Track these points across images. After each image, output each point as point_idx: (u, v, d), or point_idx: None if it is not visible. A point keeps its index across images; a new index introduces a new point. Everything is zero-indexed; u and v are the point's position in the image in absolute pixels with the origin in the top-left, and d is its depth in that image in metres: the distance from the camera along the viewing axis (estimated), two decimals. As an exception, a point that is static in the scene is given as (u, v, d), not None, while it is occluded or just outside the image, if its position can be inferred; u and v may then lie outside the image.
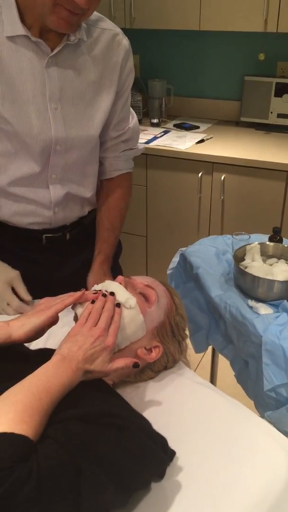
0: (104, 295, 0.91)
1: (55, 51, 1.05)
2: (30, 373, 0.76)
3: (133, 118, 1.31)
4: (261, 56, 2.61)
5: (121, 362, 0.86)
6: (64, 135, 1.13)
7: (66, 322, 1.12)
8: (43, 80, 1.07)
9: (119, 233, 1.36)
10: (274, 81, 2.59)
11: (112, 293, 0.92)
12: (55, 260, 1.29)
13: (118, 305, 0.91)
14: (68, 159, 1.17)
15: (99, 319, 0.87)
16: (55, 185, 1.19)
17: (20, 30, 1.02)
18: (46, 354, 0.87)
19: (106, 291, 0.94)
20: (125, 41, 1.18)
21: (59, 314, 1.15)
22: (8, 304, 1.18)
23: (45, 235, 1.26)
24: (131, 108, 1.30)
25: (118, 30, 1.17)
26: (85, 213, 1.32)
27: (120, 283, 1.00)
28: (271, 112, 2.64)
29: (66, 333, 1.07)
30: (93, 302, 0.90)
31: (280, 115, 2.63)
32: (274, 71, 2.68)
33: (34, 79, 1.06)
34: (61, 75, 1.08)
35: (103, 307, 0.89)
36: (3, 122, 1.08)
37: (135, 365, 0.88)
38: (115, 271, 1.33)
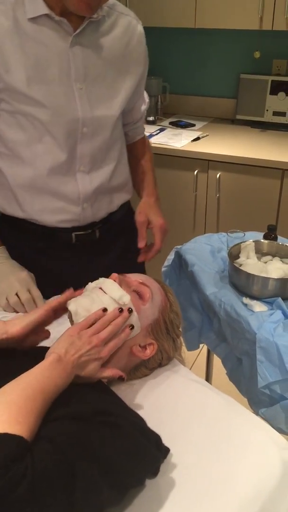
0: (121, 310, 0.91)
1: (79, 30, 1.06)
2: (22, 371, 0.76)
3: (146, 98, 1.41)
4: (257, 54, 2.62)
5: (109, 372, 0.87)
6: (90, 115, 1.13)
7: (61, 321, 1.12)
8: (68, 60, 1.08)
9: (154, 175, 1.42)
10: (270, 79, 2.59)
11: (130, 310, 0.92)
12: (84, 259, 1.27)
13: (132, 326, 0.92)
14: (94, 144, 1.16)
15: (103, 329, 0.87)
16: (83, 178, 1.19)
17: (43, 9, 1.02)
18: (38, 352, 0.87)
19: (124, 304, 0.93)
20: (139, 27, 1.22)
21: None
22: (16, 295, 1.16)
23: (75, 233, 1.25)
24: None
25: (132, 15, 1.21)
26: (114, 208, 1.31)
27: (114, 281, 1.00)
28: (267, 110, 2.64)
29: (60, 332, 1.08)
30: (105, 310, 0.90)
31: (275, 113, 2.63)
32: (269, 69, 2.68)
33: (59, 59, 1.07)
34: (85, 54, 1.10)
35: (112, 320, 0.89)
36: (31, 104, 1.07)
37: (120, 378, 0.88)
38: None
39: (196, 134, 2.57)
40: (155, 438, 0.79)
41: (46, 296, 1.21)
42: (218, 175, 2.37)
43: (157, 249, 1.29)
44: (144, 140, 1.44)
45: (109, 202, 1.29)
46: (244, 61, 2.73)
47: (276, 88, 2.58)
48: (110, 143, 1.21)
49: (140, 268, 1.39)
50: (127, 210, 1.40)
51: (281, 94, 2.58)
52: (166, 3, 2.40)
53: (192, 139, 2.51)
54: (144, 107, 1.38)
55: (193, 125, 2.74)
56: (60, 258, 1.27)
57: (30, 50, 1.05)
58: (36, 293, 1.17)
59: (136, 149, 1.40)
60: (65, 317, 1.10)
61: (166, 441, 0.80)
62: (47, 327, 1.00)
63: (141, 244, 1.26)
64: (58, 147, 1.12)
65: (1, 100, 1.09)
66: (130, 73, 1.20)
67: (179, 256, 1.52)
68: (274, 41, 2.62)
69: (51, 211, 1.20)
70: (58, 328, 1.10)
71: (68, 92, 1.09)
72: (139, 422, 0.79)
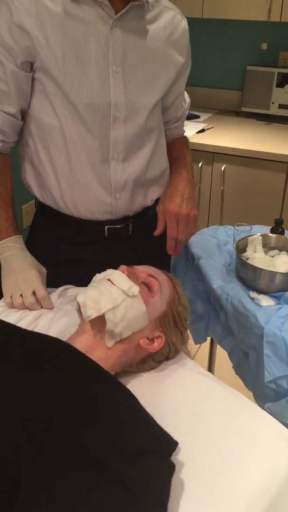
0: None
1: (121, 13, 1.06)
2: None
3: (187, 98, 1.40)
4: (264, 46, 2.59)
5: None
6: (123, 99, 1.11)
7: (68, 311, 1.11)
8: (107, 42, 1.07)
9: (191, 161, 1.35)
10: (276, 71, 2.57)
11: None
12: (115, 254, 1.23)
13: None
14: (128, 131, 1.14)
15: None
16: (116, 166, 1.16)
17: None
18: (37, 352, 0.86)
19: (133, 295, 0.94)
20: (184, 22, 1.21)
21: (60, 305, 1.15)
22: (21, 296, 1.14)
23: (108, 226, 1.23)
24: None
25: (178, 10, 1.21)
26: (148, 202, 1.28)
27: (123, 272, 0.99)
28: (273, 103, 2.63)
29: (68, 322, 1.07)
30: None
31: (281, 106, 2.61)
32: (276, 61, 2.66)
33: (98, 41, 1.06)
34: (125, 38, 1.08)
35: None
36: (65, 83, 1.06)
37: None
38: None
39: (201, 126, 2.55)
40: (167, 441, 0.78)
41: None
42: (222, 168, 2.36)
43: (172, 236, 1.20)
44: (183, 138, 1.41)
45: (144, 196, 1.25)
46: (250, 53, 2.71)
47: (283, 80, 2.56)
48: (146, 131, 1.18)
49: (167, 266, 1.37)
50: None
51: (288, 87, 2.56)
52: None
53: (197, 130, 2.49)
54: (184, 106, 1.36)
55: (198, 116, 2.72)
56: (92, 251, 1.25)
57: (70, 30, 1.04)
58: (42, 293, 1.14)
59: (173, 146, 1.37)
60: (72, 309, 1.10)
61: (173, 434, 0.80)
62: None
63: (156, 231, 1.20)
64: (90, 132, 1.11)
65: (36, 80, 1.08)
66: (171, 62, 1.17)
67: (185, 249, 1.51)
68: (282, 33, 2.59)
69: (83, 200, 1.18)
70: (65, 318, 1.10)
71: (103, 74, 1.08)
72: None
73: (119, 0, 1.05)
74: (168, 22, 1.17)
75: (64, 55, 1.04)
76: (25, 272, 1.15)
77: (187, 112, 1.41)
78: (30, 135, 1.15)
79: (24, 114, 1.15)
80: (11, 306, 1.15)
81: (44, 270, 1.18)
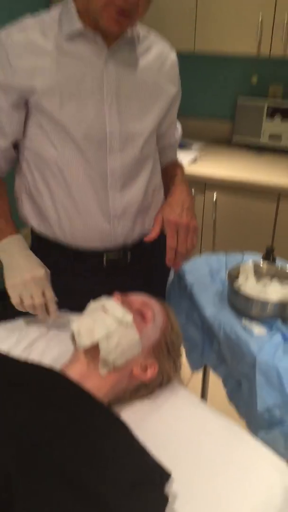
0: None
1: (113, 47, 1.10)
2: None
3: (179, 126, 1.41)
4: (254, 79, 2.67)
5: None
6: (118, 130, 1.13)
7: (61, 339, 1.11)
8: (101, 75, 1.10)
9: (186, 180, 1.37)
10: (266, 103, 2.63)
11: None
12: (113, 284, 1.19)
13: None
14: (124, 160, 1.16)
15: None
16: (114, 194, 1.18)
17: (78, 25, 1.06)
18: (43, 374, 0.86)
19: (127, 323, 0.95)
20: (172, 54, 1.26)
21: (53, 332, 1.15)
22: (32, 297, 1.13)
23: (106, 255, 1.24)
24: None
25: (166, 43, 1.25)
26: (146, 230, 1.28)
27: (116, 300, 1.00)
28: (263, 133, 2.68)
29: (61, 350, 1.07)
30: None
31: (271, 136, 2.67)
32: (266, 93, 2.73)
33: (93, 74, 1.09)
34: (119, 71, 1.12)
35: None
36: (62, 116, 1.09)
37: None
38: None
39: (193, 155, 2.60)
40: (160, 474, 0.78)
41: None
42: (214, 197, 2.39)
43: (172, 246, 1.16)
44: (177, 162, 1.44)
45: (142, 224, 1.26)
46: (241, 85, 2.78)
47: (273, 112, 2.63)
48: (141, 159, 1.21)
49: (163, 295, 1.37)
50: (161, 235, 1.39)
51: (278, 118, 2.62)
52: (166, 26, 2.45)
53: (189, 160, 2.53)
54: (177, 135, 1.39)
55: (190, 146, 2.77)
56: (90, 281, 1.25)
57: (65, 66, 1.07)
58: (49, 294, 1.14)
59: (168, 168, 1.39)
60: (66, 336, 1.10)
61: (167, 464, 0.80)
62: None
63: (148, 236, 1.17)
64: (88, 162, 1.13)
65: (33, 114, 1.11)
66: (163, 92, 1.21)
67: (178, 276, 1.52)
68: (271, 67, 2.67)
69: (82, 229, 1.19)
70: (58, 346, 1.10)
71: (98, 106, 1.11)
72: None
73: (110, 35, 1.09)
74: (158, 54, 1.21)
75: (60, 90, 1.07)
76: (34, 270, 1.14)
77: (179, 139, 1.44)
78: (28, 167, 1.17)
79: (19, 146, 1.18)
80: (20, 306, 1.13)
81: (48, 270, 1.17)
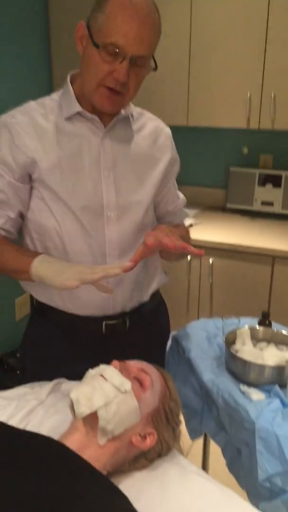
0: None
1: (109, 126, 1.18)
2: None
3: (181, 195, 1.46)
4: (245, 150, 2.81)
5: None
6: (114, 201, 1.19)
7: (60, 408, 1.11)
8: (98, 151, 1.18)
9: (187, 240, 1.31)
10: (257, 171, 2.75)
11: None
12: (112, 351, 1.18)
13: None
14: (121, 229, 1.21)
15: None
16: (113, 262, 1.21)
17: (77, 107, 1.15)
18: (40, 443, 0.86)
19: (125, 391, 0.95)
20: (167, 129, 1.34)
21: (52, 400, 1.15)
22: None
23: (105, 322, 1.25)
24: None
25: (160, 121, 1.34)
26: (144, 298, 1.31)
27: (115, 367, 1.01)
28: (255, 200, 2.78)
29: (59, 419, 1.07)
30: None
31: (264, 203, 2.77)
32: (257, 162, 2.86)
33: (90, 151, 1.17)
34: (114, 147, 1.20)
35: None
36: (61, 190, 1.15)
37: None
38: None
39: (189, 221, 2.68)
40: None
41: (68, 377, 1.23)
42: (210, 261, 2.45)
43: (170, 244, 1.06)
44: (183, 225, 1.47)
45: (140, 291, 1.30)
46: (233, 155, 2.92)
47: (264, 180, 2.74)
48: (139, 228, 1.25)
49: (162, 362, 1.38)
50: (158, 303, 1.40)
51: (269, 186, 2.73)
52: (160, 102, 2.61)
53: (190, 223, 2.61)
54: (179, 203, 1.43)
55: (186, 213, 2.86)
56: (88, 347, 1.25)
57: (65, 144, 1.16)
58: (102, 266, 1.09)
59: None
60: (64, 404, 1.10)
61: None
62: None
63: (124, 267, 1.07)
64: (86, 231, 1.18)
65: (35, 188, 1.17)
66: (158, 162, 1.28)
67: (176, 342, 1.54)
68: (261, 139, 2.82)
69: (81, 296, 1.21)
70: (57, 415, 1.09)
71: (95, 179, 1.17)
72: None
73: (107, 115, 1.18)
74: (152, 130, 1.29)
75: (60, 167, 1.15)
76: (75, 265, 1.11)
77: (181, 207, 1.47)
78: (29, 236, 1.23)
79: (23, 217, 1.23)
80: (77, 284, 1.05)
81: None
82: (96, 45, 1.04)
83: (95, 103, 1.12)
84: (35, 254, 1.15)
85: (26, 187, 1.18)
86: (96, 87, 1.08)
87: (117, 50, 1.03)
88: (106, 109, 1.13)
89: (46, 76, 2.83)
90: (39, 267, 1.10)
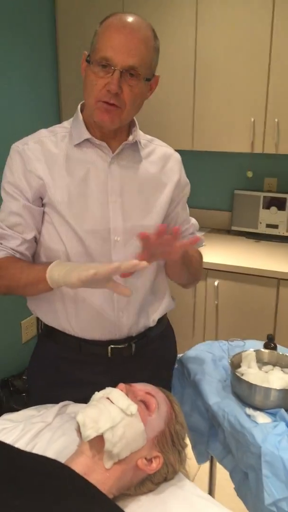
0: None
1: (116, 152, 1.21)
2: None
3: (193, 220, 1.48)
4: (249, 174, 2.84)
5: None
6: (121, 225, 1.21)
7: (66, 430, 1.12)
8: (106, 177, 1.21)
9: (198, 261, 1.39)
10: (262, 195, 2.78)
11: None
12: (118, 375, 1.19)
13: None
14: (128, 253, 1.21)
15: None
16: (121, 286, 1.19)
17: (86, 134, 1.19)
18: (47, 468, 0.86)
19: (131, 414, 0.96)
20: (176, 154, 1.36)
21: (58, 423, 1.16)
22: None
23: (111, 346, 1.25)
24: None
25: (169, 147, 1.36)
26: (150, 323, 1.31)
27: (121, 390, 1.02)
28: (260, 223, 2.81)
29: (66, 442, 1.07)
30: None
31: (268, 225, 2.79)
32: (261, 186, 2.89)
33: (98, 177, 1.20)
34: (122, 173, 1.22)
35: None
36: (70, 215, 1.17)
37: None
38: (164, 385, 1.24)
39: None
40: None
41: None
42: (216, 283, 2.46)
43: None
44: (196, 249, 1.46)
45: (146, 316, 1.30)
46: (237, 179, 2.95)
47: (269, 203, 2.77)
48: None
49: (168, 386, 1.38)
50: (165, 328, 1.40)
51: (273, 209, 2.76)
52: (166, 127, 2.66)
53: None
54: (191, 228, 1.45)
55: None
56: (95, 371, 1.26)
57: (73, 170, 1.19)
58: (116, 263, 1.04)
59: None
60: (70, 426, 1.10)
61: None
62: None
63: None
64: (93, 255, 1.19)
65: (45, 212, 1.21)
66: (165, 186, 1.29)
67: (181, 364, 1.54)
68: (265, 162, 2.85)
69: (88, 320, 1.23)
70: (63, 438, 1.10)
71: (103, 204, 1.20)
72: None
73: (114, 141, 1.21)
74: (161, 156, 1.32)
75: (69, 192, 1.18)
76: (90, 263, 1.13)
77: (195, 232, 1.48)
78: (39, 260, 1.25)
79: (37, 242, 1.26)
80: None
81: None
82: (88, 62, 1.11)
83: (96, 120, 1.15)
84: (49, 262, 1.14)
85: (40, 210, 1.21)
86: (95, 103, 1.12)
87: (107, 63, 1.07)
88: (105, 123, 1.15)
89: (54, 106, 2.90)
90: (55, 267, 1.09)
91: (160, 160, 1.31)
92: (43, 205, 1.20)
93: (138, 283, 1.26)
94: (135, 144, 1.25)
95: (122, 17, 1.10)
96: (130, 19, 1.10)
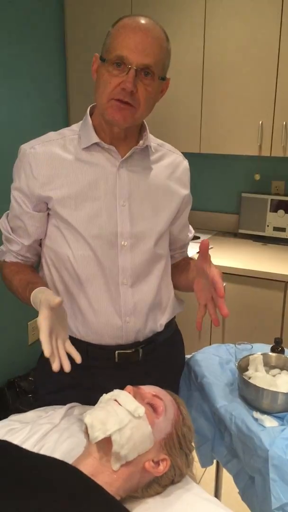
0: None
1: (126, 156, 1.20)
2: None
3: (192, 229, 1.50)
4: (257, 177, 2.84)
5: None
6: (129, 230, 1.21)
7: (73, 432, 1.12)
8: (115, 181, 1.20)
9: None
10: (269, 198, 2.78)
11: None
12: (125, 380, 1.16)
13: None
14: (135, 258, 1.22)
15: None
16: (126, 291, 1.22)
17: (95, 138, 1.18)
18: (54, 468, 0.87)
19: (139, 416, 0.96)
20: (185, 162, 1.36)
21: (65, 424, 1.16)
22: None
23: (118, 351, 1.25)
24: None
25: (179, 153, 1.36)
26: (157, 328, 1.31)
27: (129, 393, 1.02)
28: (268, 226, 2.80)
29: (73, 443, 1.08)
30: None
31: (276, 228, 2.79)
32: (269, 189, 2.89)
33: (106, 181, 1.20)
34: (131, 177, 1.22)
35: None
36: (76, 218, 1.17)
37: None
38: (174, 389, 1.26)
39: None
40: None
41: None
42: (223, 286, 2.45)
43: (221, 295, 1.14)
44: (187, 257, 1.51)
45: (153, 321, 1.30)
46: (245, 182, 2.95)
47: (276, 206, 2.77)
48: (153, 258, 1.26)
49: (176, 390, 1.39)
50: (173, 333, 1.40)
51: (281, 212, 2.75)
52: (174, 130, 2.66)
53: (197, 251, 2.62)
54: (190, 236, 1.48)
55: (198, 237, 2.89)
56: (101, 376, 1.25)
57: (82, 174, 1.19)
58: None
59: (179, 264, 1.46)
60: (78, 428, 1.11)
61: None
62: None
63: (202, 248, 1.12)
64: (100, 259, 1.19)
65: (51, 216, 1.21)
66: (174, 194, 1.30)
67: (188, 367, 1.54)
68: (273, 165, 2.85)
69: (95, 325, 1.23)
70: (70, 439, 1.10)
71: (111, 209, 1.19)
72: None
73: (124, 145, 1.21)
74: (170, 162, 1.31)
75: (76, 196, 1.18)
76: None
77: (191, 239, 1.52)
78: (46, 264, 1.26)
79: (42, 244, 1.26)
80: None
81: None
82: (102, 60, 1.10)
83: (107, 118, 1.14)
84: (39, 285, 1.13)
85: (43, 215, 1.21)
86: (107, 101, 1.11)
87: (122, 62, 1.07)
88: (117, 122, 1.14)
89: (63, 109, 2.91)
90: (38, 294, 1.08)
91: (169, 166, 1.31)
92: (49, 208, 1.21)
93: (144, 288, 1.26)
94: (145, 149, 1.25)
95: (136, 19, 1.11)
96: (144, 20, 1.10)
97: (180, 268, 1.41)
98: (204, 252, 1.13)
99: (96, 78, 1.15)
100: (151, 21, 1.12)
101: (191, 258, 1.45)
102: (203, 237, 2.90)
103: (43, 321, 0.98)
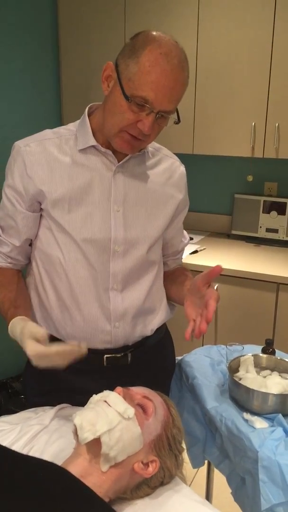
0: None
1: (122, 161, 1.19)
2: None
3: (187, 235, 1.48)
4: (250, 178, 2.85)
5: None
6: (122, 235, 1.20)
7: (63, 433, 1.12)
8: (110, 185, 1.19)
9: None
10: (262, 199, 2.79)
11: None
12: (113, 384, 1.15)
13: None
14: (127, 264, 1.21)
15: None
16: (115, 296, 1.22)
17: (92, 141, 1.16)
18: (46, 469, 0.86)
19: (128, 417, 0.96)
20: (182, 168, 1.34)
21: (55, 425, 1.16)
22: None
23: (106, 355, 1.24)
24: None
25: (176, 158, 1.35)
26: (147, 332, 1.30)
27: (119, 394, 1.02)
28: (260, 227, 2.81)
29: (63, 444, 1.07)
30: None
31: (268, 229, 2.79)
32: (262, 190, 2.90)
33: (102, 185, 1.18)
34: (126, 182, 1.21)
35: None
36: (69, 221, 1.16)
37: None
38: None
39: (194, 247, 2.70)
40: None
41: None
42: (215, 287, 2.45)
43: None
44: (183, 266, 1.49)
45: (143, 325, 1.29)
46: (238, 183, 2.96)
47: (269, 207, 2.77)
48: (146, 264, 1.26)
49: (165, 392, 1.38)
50: (163, 336, 1.39)
51: (273, 213, 2.76)
52: (167, 131, 2.65)
53: (190, 252, 2.63)
54: (184, 242, 1.47)
55: (191, 238, 2.89)
56: (90, 380, 1.23)
57: (77, 176, 1.17)
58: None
59: (175, 270, 1.44)
60: (67, 429, 1.10)
61: None
62: None
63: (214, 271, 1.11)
64: (91, 264, 1.18)
65: (43, 217, 1.20)
66: (170, 199, 1.28)
67: (179, 368, 1.54)
68: (265, 167, 2.86)
69: (84, 328, 1.22)
70: (60, 440, 1.10)
71: (105, 213, 1.18)
72: None
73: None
74: (167, 167, 1.30)
75: (69, 199, 1.16)
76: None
77: (185, 247, 1.50)
78: (37, 266, 1.24)
79: (32, 245, 1.25)
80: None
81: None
82: (126, 97, 1.04)
83: (114, 145, 1.13)
84: (20, 312, 1.15)
85: (37, 216, 1.20)
86: (118, 132, 1.10)
87: (146, 104, 1.04)
88: (125, 151, 1.14)
89: (56, 108, 2.91)
90: (17, 325, 1.11)
91: (166, 172, 1.29)
92: (41, 209, 1.20)
93: (134, 293, 1.25)
94: (142, 154, 1.24)
95: (167, 53, 1.03)
96: (176, 60, 1.04)
97: (175, 280, 1.38)
98: (211, 275, 1.12)
99: (109, 98, 1.10)
100: (181, 55, 1.06)
101: (187, 270, 1.43)
102: (196, 238, 2.90)
103: (34, 357, 1.01)
